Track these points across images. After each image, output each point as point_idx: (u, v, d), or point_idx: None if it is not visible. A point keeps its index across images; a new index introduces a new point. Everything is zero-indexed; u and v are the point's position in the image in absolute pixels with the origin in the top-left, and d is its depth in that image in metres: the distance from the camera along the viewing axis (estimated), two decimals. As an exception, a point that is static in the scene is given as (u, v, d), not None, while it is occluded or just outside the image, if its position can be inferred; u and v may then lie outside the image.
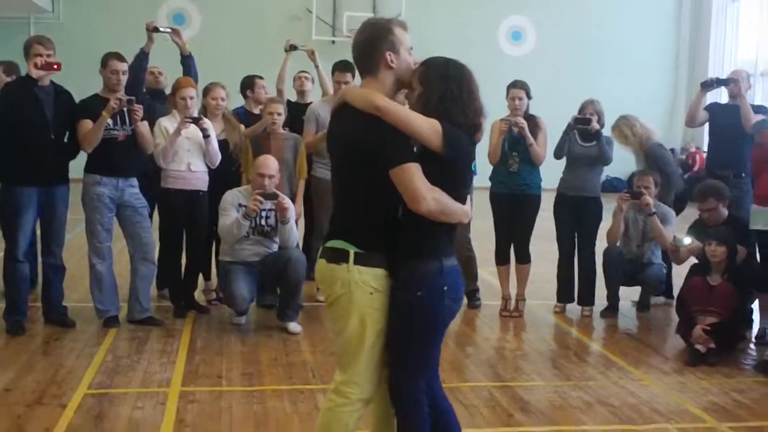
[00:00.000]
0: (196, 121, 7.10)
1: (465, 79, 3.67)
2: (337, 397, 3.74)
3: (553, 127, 7.83)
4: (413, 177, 3.50)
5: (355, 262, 3.64)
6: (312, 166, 8.06)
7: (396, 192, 3.53)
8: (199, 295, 7.85)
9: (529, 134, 7.49)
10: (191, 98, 7.27)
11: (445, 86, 3.62)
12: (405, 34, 3.71)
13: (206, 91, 7.74)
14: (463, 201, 3.70)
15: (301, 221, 8.12)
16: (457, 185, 3.68)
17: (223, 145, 7.54)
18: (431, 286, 3.63)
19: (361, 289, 3.63)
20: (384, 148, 3.54)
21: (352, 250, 3.64)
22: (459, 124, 3.61)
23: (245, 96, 8.73)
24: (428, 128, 3.52)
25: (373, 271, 3.65)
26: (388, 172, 3.52)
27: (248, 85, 8.73)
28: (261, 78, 8.74)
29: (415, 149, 3.59)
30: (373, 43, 3.67)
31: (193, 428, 4.99)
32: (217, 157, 7.30)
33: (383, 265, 3.67)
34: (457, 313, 3.86)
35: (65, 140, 6.94)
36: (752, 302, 7.48)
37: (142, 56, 7.70)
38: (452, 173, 3.64)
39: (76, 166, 7.03)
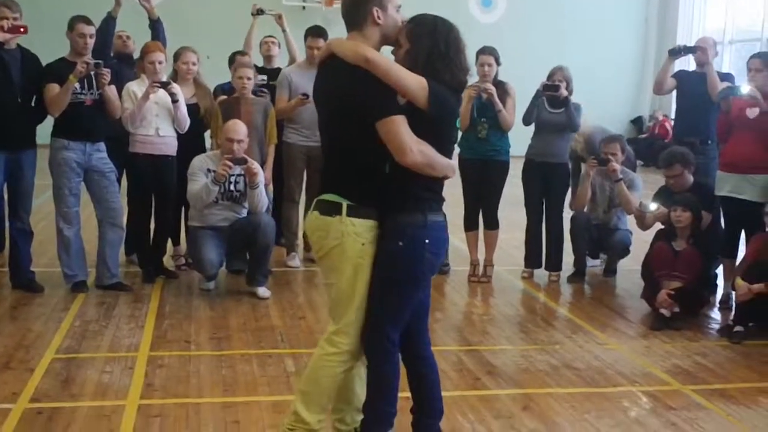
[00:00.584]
0: (164, 85, 7.05)
1: (453, 37, 3.71)
2: (328, 346, 3.83)
3: (523, 93, 7.84)
4: (399, 129, 3.55)
5: (348, 214, 3.72)
6: (283, 132, 8.04)
7: (384, 145, 3.58)
8: (167, 261, 7.84)
9: (497, 100, 7.50)
10: (160, 63, 7.21)
11: (433, 43, 3.65)
12: None
13: (177, 56, 7.68)
14: (449, 156, 3.77)
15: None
16: (443, 140, 3.75)
17: (193, 109, 7.51)
18: (412, 237, 3.71)
19: (353, 240, 3.72)
20: (370, 101, 3.58)
21: (344, 203, 3.71)
22: (445, 81, 3.65)
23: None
24: (416, 84, 3.56)
25: (365, 222, 3.73)
26: (374, 125, 3.56)
27: (234, 61, 8.64)
28: (246, 54, 8.59)
29: (400, 103, 3.62)
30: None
31: (162, 392, 5.00)
32: (186, 122, 7.26)
33: (374, 217, 3.76)
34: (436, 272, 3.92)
35: (32, 104, 6.88)
36: (717, 267, 7.58)
37: (109, 20, 7.65)
38: (437, 129, 3.71)
39: (44, 131, 6.97)
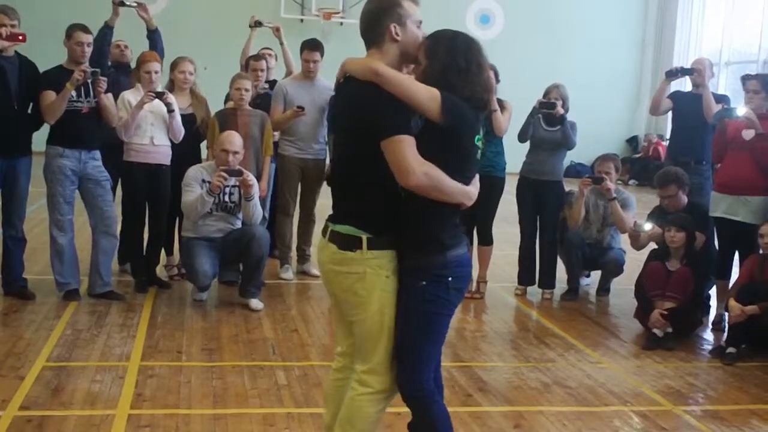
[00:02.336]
0: (159, 95, 7.05)
1: (473, 52, 3.58)
2: (360, 387, 3.67)
3: (519, 110, 7.86)
4: (404, 149, 3.38)
5: (369, 248, 3.54)
6: (278, 144, 8.05)
7: None
8: (161, 271, 7.83)
9: (495, 100, 7.46)
10: (155, 72, 7.21)
11: (451, 59, 3.52)
12: (414, 7, 3.61)
13: (174, 65, 7.70)
14: (467, 181, 3.58)
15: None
16: (460, 161, 3.56)
17: (189, 119, 7.52)
18: (435, 276, 3.56)
19: (377, 274, 3.56)
20: (378, 118, 3.42)
21: (364, 236, 3.54)
22: (464, 97, 3.49)
23: None
24: (427, 96, 3.40)
25: (387, 253, 3.58)
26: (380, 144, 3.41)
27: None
28: (257, 60, 8.54)
29: (413, 124, 3.48)
30: (379, 15, 3.57)
31: (152, 402, 4.98)
32: (181, 133, 7.26)
33: (394, 246, 3.60)
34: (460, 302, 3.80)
35: (29, 111, 6.88)
36: (710, 288, 7.58)
37: (107, 30, 7.67)
38: (454, 146, 3.50)
39: (39, 138, 6.96)
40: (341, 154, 3.74)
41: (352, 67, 3.54)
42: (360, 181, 3.55)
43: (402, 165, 3.38)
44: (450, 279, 3.58)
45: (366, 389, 3.66)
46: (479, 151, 3.65)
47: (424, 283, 3.55)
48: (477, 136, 3.58)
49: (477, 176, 3.70)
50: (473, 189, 3.63)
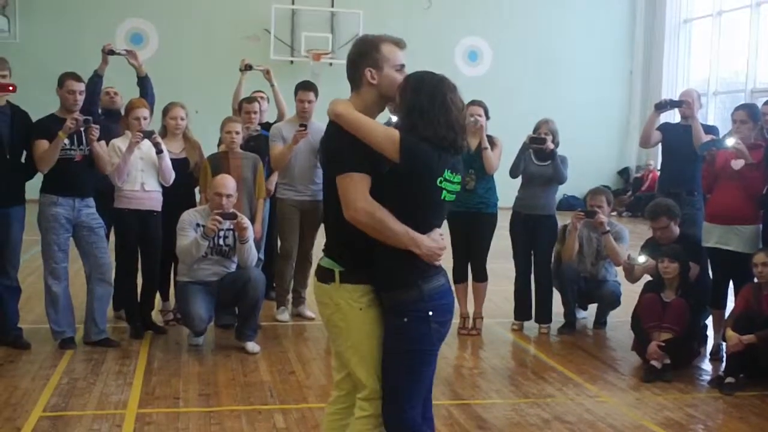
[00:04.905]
0: (148, 135, 7.07)
1: (439, 93, 3.60)
2: (359, 410, 3.77)
3: (509, 146, 7.90)
4: (351, 185, 3.50)
5: (341, 281, 3.66)
6: (277, 189, 8.09)
7: None
8: (156, 316, 7.81)
9: (485, 138, 7.53)
10: (144, 119, 7.23)
11: (416, 99, 3.58)
12: (396, 52, 3.69)
13: (165, 111, 7.73)
14: (426, 224, 3.60)
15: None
16: (420, 206, 3.59)
17: (183, 163, 7.54)
18: (414, 312, 3.60)
19: (350, 306, 3.66)
20: (335, 156, 3.58)
21: (336, 269, 3.66)
22: (426, 137, 3.53)
23: None
24: (384, 136, 3.50)
25: (359, 288, 3.66)
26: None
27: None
28: (249, 102, 8.60)
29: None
30: (356, 60, 3.70)
31: (151, 450, 4.97)
32: (171, 175, 7.27)
33: (367, 281, 3.67)
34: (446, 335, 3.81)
35: (22, 160, 6.90)
36: (707, 318, 7.58)
37: (96, 78, 7.71)
38: (414, 187, 3.54)
39: (32, 186, 6.98)
40: (324, 191, 3.85)
41: (329, 108, 3.65)
42: (336, 215, 3.62)
43: (345, 199, 3.52)
44: (431, 313, 3.63)
45: (363, 413, 3.75)
46: (448, 193, 3.63)
47: (405, 320, 3.61)
48: (439, 178, 3.58)
49: (441, 229, 3.71)
50: (426, 240, 3.59)
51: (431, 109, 3.57)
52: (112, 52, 7.84)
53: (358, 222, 3.51)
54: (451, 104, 3.61)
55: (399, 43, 3.73)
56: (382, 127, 3.56)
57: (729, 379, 6.41)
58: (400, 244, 3.53)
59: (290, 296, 8.37)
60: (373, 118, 3.66)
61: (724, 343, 6.83)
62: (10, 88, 6.59)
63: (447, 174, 3.60)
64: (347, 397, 3.90)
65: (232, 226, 7.00)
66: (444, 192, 3.61)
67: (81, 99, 6.92)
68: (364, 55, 3.68)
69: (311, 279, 3.87)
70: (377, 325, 3.69)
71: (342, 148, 3.55)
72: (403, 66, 3.70)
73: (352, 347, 3.71)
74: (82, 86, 6.96)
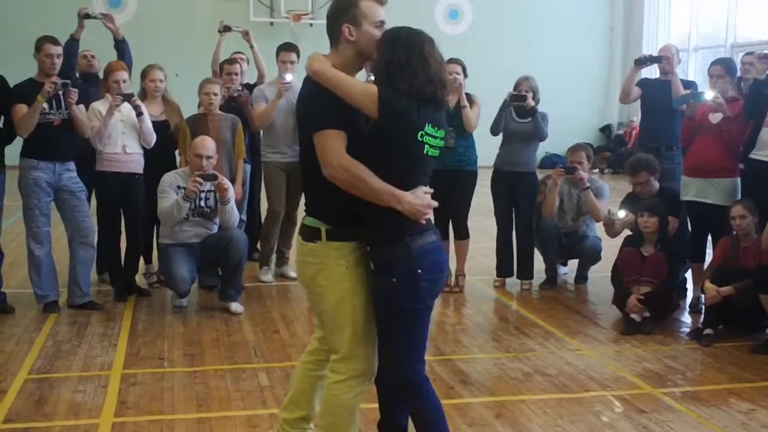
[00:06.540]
0: (127, 98, 7.05)
1: (416, 46, 3.56)
2: (333, 374, 3.76)
3: (490, 103, 7.91)
4: (327, 142, 3.48)
5: (328, 239, 3.64)
6: (262, 153, 8.12)
7: None
8: (140, 279, 7.83)
9: (464, 96, 7.53)
10: (123, 81, 7.20)
11: (392, 52, 3.54)
12: (375, 8, 3.64)
13: (144, 74, 7.71)
14: (408, 187, 3.56)
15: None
16: (400, 161, 3.57)
17: (163, 126, 7.53)
18: (403, 272, 3.58)
19: (337, 264, 3.64)
20: (311, 113, 3.56)
21: (323, 227, 3.65)
22: (403, 90, 3.51)
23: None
24: (361, 92, 3.49)
25: (346, 245, 3.65)
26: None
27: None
28: (230, 64, 8.56)
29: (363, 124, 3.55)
30: (335, 16, 3.66)
31: (135, 410, 5.00)
32: (152, 136, 7.26)
33: (355, 237, 3.66)
34: (441, 291, 3.82)
35: (0, 126, 6.87)
36: (686, 271, 7.66)
37: (72, 42, 7.70)
38: (393, 143, 3.53)
39: (12, 152, 6.96)
40: (302, 150, 3.81)
41: (306, 64, 3.63)
42: (317, 174, 3.58)
43: (322, 157, 3.50)
44: (419, 271, 3.60)
45: (339, 376, 3.74)
46: (431, 148, 3.62)
47: (394, 279, 3.58)
48: (420, 132, 3.56)
49: (427, 186, 3.68)
50: (409, 196, 3.55)
51: (408, 61, 3.53)
52: (87, 16, 7.80)
53: (337, 179, 3.50)
54: (429, 57, 3.58)
55: (379, 0, 3.69)
56: (360, 83, 3.54)
57: (707, 331, 6.49)
58: (381, 200, 3.52)
59: (274, 257, 8.40)
60: (352, 76, 3.64)
61: (702, 296, 6.91)
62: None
63: (428, 128, 3.58)
64: (326, 352, 3.91)
65: (212, 188, 7.01)
66: (426, 146, 3.60)
67: (59, 63, 6.88)
68: (343, 10, 3.63)
69: (295, 239, 3.85)
70: (361, 284, 3.68)
71: (319, 105, 3.54)
72: (383, 23, 3.66)
73: (332, 308, 3.69)
74: (59, 50, 6.91)
